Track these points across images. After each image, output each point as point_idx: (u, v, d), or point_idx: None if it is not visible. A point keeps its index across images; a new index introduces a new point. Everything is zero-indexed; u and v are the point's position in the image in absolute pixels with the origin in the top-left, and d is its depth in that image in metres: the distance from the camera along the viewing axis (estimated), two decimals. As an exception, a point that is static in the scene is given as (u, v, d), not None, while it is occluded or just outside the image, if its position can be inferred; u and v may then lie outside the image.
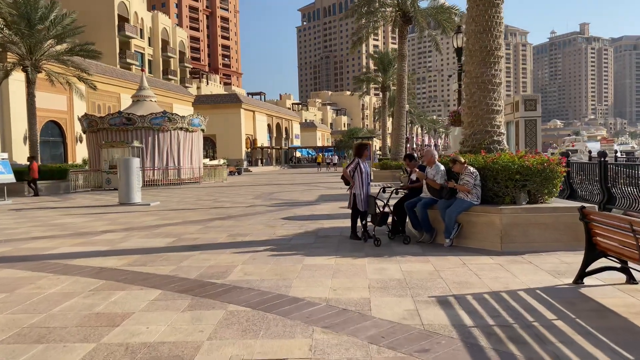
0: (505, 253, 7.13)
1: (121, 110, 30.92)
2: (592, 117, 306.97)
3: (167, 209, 14.77)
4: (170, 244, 8.56)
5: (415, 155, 10.90)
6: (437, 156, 8.26)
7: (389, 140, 50.54)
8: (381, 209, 8.12)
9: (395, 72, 44.60)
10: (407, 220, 8.51)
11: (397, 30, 27.82)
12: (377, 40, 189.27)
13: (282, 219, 11.66)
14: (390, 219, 8.40)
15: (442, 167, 8.02)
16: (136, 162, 16.45)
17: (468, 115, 9.02)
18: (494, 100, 8.84)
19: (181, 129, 29.09)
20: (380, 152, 54.22)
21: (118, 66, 56.25)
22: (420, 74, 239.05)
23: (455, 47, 15.84)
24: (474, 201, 7.59)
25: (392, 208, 8.31)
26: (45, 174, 23.73)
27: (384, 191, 8.40)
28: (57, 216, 13.51)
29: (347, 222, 10.29)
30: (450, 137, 13.27)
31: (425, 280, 5.73)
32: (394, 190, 8.45)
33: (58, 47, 25.36)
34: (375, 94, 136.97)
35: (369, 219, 8.46)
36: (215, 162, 40.91)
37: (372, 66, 56.75)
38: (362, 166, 8.27)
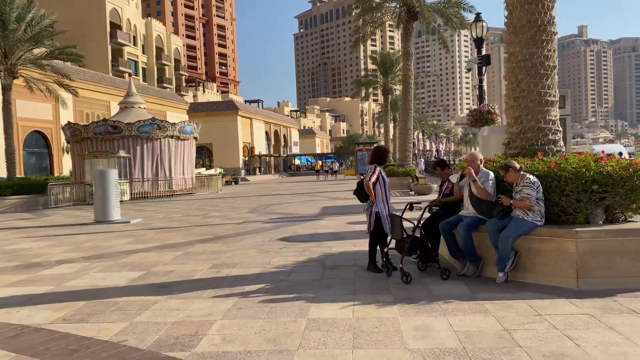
0: (586, 293, 5.17)
1: (107, 118, 28.99)
2: (593, 119, 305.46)
3: (148, 228, 12.78)
4: (134, 282, 6.58)
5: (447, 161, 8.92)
6: (482, 160, 6.27)
7: (391, 145, 48.64)
8: (410, 233, 6.13)
9: (397, 74, 42.89)
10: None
11: (401, 27, 25.94)
12: (374, 45, 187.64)
13: (279, 241, 9.68)
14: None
15: (492, 175, 6.03)
16: (114, 174, 14.48)
17: (514, 109, 7.06)
18: (547, 88, 6.90)
19: (172, 136, 27.15)
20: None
21: (111, 74, 54.41)
22: (419, 79, 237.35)
23: (475, 37, 13.94)
24: (537, 221, 5.62)
25: (421, 229, 6.33)
26: (22, 187, 21.75)
27: (411, 209, 6.43)
28: (17, 239, 11.52)
29: (360, 245, 8.34)
30: (479, 139, 11.33)
31: (496, 350, 3.74)
32: (426, 208, 6.47)
33: (36, 51, 23.45)
34: (374, 100, 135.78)
35: (391, 245, 6.50)
36: (211, 171, 39.06)
37: (370, 69, 54.95)
38: (383, 175, 6.30)
